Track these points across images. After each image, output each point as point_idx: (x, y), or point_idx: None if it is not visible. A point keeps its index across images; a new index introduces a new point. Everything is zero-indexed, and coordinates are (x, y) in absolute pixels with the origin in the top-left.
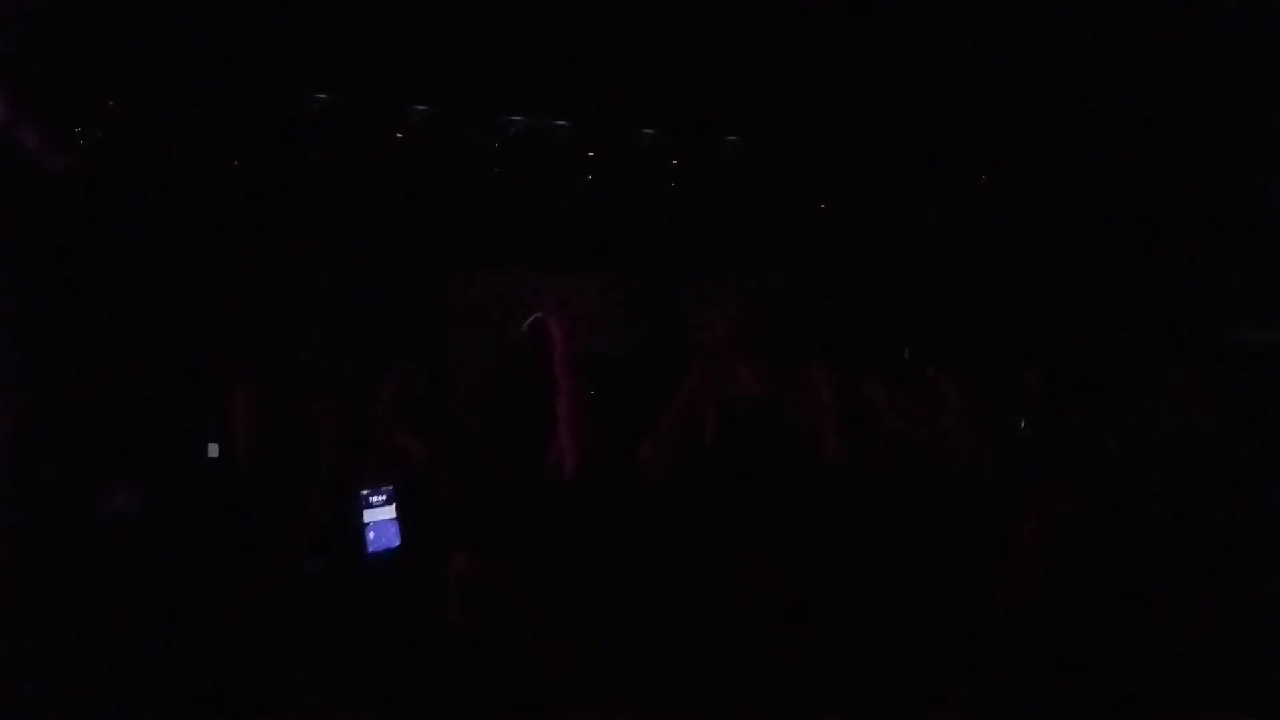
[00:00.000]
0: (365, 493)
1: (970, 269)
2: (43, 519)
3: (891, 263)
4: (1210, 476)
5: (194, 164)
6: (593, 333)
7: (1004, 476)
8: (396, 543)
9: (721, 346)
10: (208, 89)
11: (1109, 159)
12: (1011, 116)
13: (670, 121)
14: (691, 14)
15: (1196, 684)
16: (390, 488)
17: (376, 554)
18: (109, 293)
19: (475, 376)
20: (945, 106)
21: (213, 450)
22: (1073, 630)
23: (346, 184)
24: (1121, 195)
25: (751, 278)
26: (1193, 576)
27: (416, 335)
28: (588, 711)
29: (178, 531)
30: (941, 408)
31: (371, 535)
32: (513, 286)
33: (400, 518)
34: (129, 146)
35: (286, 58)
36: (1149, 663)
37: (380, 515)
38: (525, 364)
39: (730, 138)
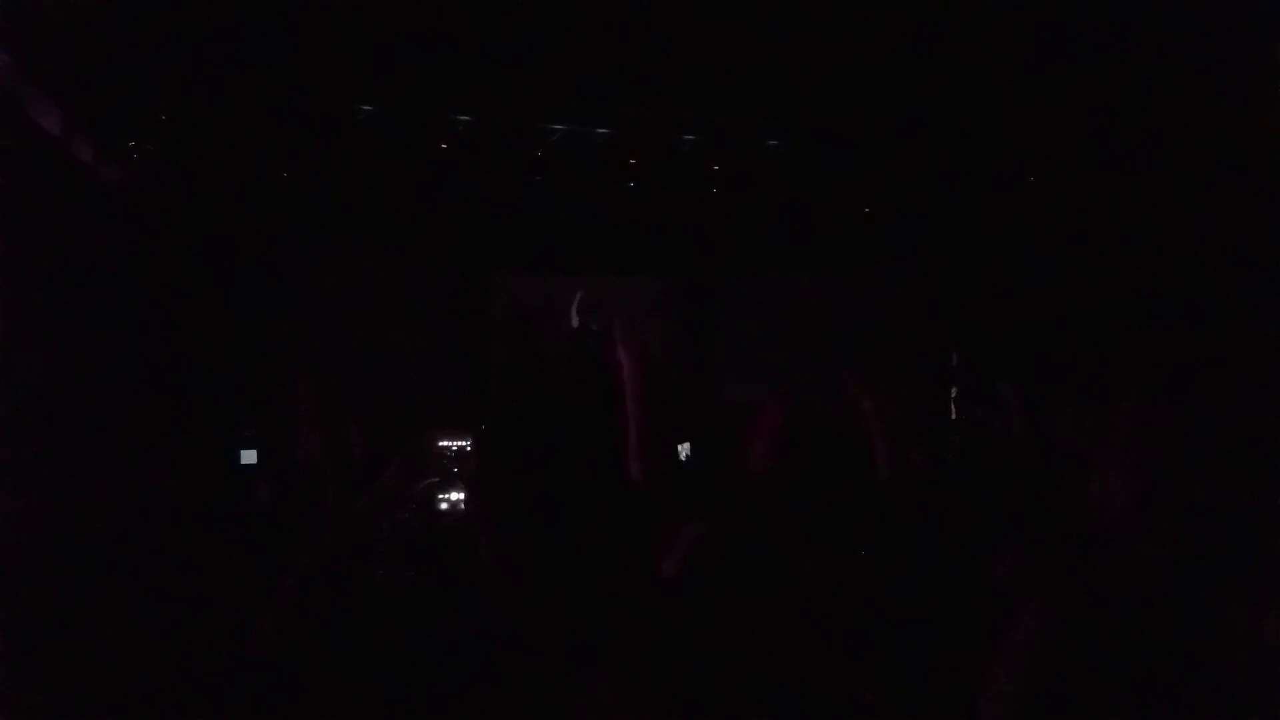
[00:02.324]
0: (443, 444)
1: (1018, 271)
2: (76, 518)
3: (936, 265)
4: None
5: (243, 174)
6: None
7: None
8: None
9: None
10: (257, 102)
11: (1161, 158)
12: (1059, 116)
13: (710, 127)
14: (731, 19)
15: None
16: (468, 443)
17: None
18: (156, 302)
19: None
20: (990, 106)
21: (249, 457)
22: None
23: (392, 192)
24: (1174, 195)
25: (791, 279)
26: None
27: (459, 340)
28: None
29: (207, 536)
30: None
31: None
32: (555, 292)
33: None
34: (180, 158)
35: (333, 71)
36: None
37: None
38: (572, 371)
39: (771, 141)
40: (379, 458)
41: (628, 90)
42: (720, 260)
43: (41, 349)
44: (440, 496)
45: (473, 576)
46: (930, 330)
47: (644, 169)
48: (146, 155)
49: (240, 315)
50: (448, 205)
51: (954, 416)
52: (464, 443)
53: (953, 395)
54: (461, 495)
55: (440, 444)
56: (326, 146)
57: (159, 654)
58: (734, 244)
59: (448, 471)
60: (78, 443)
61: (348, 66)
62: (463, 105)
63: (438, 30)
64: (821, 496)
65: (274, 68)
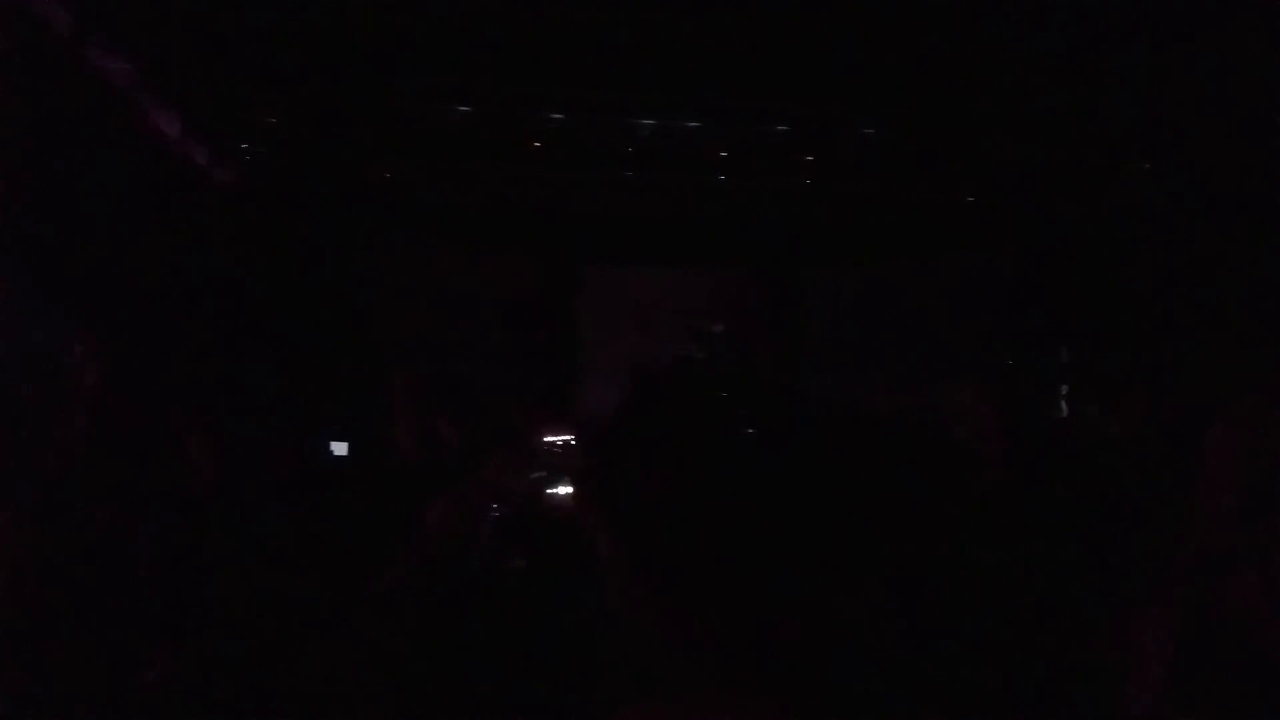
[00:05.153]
0: (548, 440)
1: (1130, 262)
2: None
3: (1044, 255)
4: None
5: (347, 175)
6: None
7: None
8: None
9: None
10: (361, 106)
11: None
12: (1172, 100)
13: (802, 117)
14: (821, 7)
15: None
16: (571, 439)
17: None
18: (260, 297)
19: (609, 375)
20: (1099, 89)
21: (340, 449)
22: None
23: (487, 190)
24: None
25: (885, 271)
26: None
27: (551, 335)
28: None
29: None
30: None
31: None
32: (647, 285)
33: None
34: (289, 160)
35: (432, 75)
36: None
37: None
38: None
39: (866, 130)
40: (480, 451)
41: (718, 82)
42: (813, 252)
43: (143, 342)
44: (549, 491)
45: (585, 572)
46: (1037, 324)
47: (735, 161)
48: (256, 157)
49: (339, 310)
50: (541, 201)
51: (1065, 414)
52: (570, 437)
53: (1063, 392)
54: (569, 489)
55: (546, 439)
56: (426, 147)
57: (255, 644)
58: (827, 236)
59: (556, 466)
60: (169, 436)
61: (445, 70)
62: (555, 104)
63: (530, 31)
64: (925, 499)
65: (376, 73)
